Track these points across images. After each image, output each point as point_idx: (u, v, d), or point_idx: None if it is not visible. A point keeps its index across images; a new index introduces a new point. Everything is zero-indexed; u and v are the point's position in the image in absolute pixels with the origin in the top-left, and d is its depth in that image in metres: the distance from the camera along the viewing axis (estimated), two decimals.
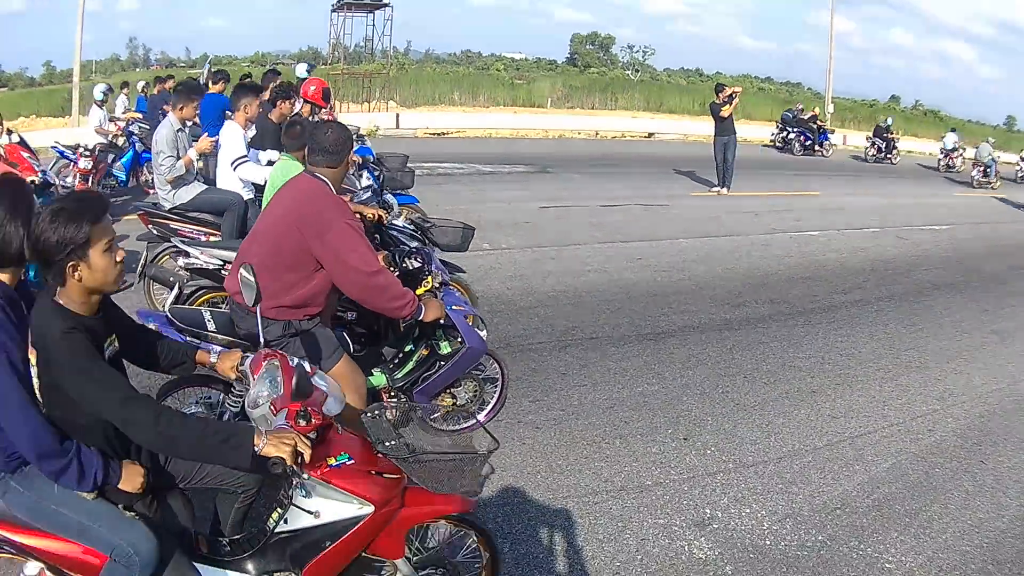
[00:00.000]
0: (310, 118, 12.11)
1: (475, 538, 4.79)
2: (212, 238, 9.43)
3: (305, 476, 3.92)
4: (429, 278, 6.90)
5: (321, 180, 5.93)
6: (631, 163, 30.63)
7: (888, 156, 42.09)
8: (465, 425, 6.96)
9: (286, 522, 4.10)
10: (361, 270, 5.68)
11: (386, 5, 51.30)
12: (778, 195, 25.32)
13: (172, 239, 8.90)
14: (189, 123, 10.46)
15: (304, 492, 4.03)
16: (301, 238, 5.67)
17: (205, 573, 4.13)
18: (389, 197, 10.22)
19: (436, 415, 7.15)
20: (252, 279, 4.67)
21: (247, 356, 4.52)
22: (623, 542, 6.12)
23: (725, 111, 23.79)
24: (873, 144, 42.34)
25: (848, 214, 23.17)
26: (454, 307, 6.95)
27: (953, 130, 46.63)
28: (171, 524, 4.09)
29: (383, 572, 4.50)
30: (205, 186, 10.14)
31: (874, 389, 9.78)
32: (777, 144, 42.10)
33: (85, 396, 3.59)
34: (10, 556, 3.94)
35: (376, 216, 8.05)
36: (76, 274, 3.62)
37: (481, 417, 7.43)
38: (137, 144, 16.57)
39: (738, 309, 12.44)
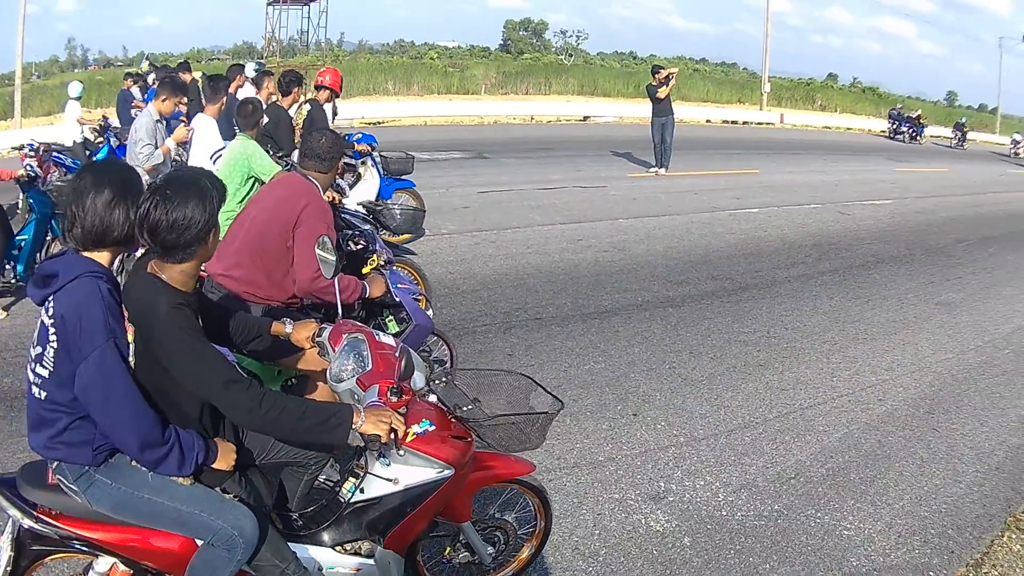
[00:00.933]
0: (327, 105, 12.77)
1: (529, 499, 5.06)
2: None
3: (400, 451, 4.07)
4: (374, 256, 7.07)
5: (312, 182, 6.26)
6: (567, 146, 30.60)
7: (962, 144, 53.53)
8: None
9: (362, 491, 4.20)
10: (304, 276, 5.95)
11: None
12: (717, 174, 25.59)
13: None
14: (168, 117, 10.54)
15: (383, 460, 4.15)
16: (283, 231, 5.98)
17: None
18: (341, 182, 10.31)
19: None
20: (332, 255, 5.10)
21: (325, 327, 4.64)
22: (580, 517, 6.11)
23: (661, 92, 23.96)
24: (954, 135, 54.42)
25: (788, 191, 23.45)
26: (399, 285, 7.02)
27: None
28: (257, 502, 4.09)
29: (448, 537, 4.80)
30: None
31: (822, 361, 9.87)
32: (888, 135, 53.06)
33: (190, 375, 3.63)
34: (75, 555, 3.93)
35: (331, 198, 8.16)
36: (200, 253, 3.72)
37: (431, 397, 7.37)
38: (112, 139, 16.42)
39: (681, 286, 12.48)
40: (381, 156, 12.64)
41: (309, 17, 58.33)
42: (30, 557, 3.82)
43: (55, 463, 3.69)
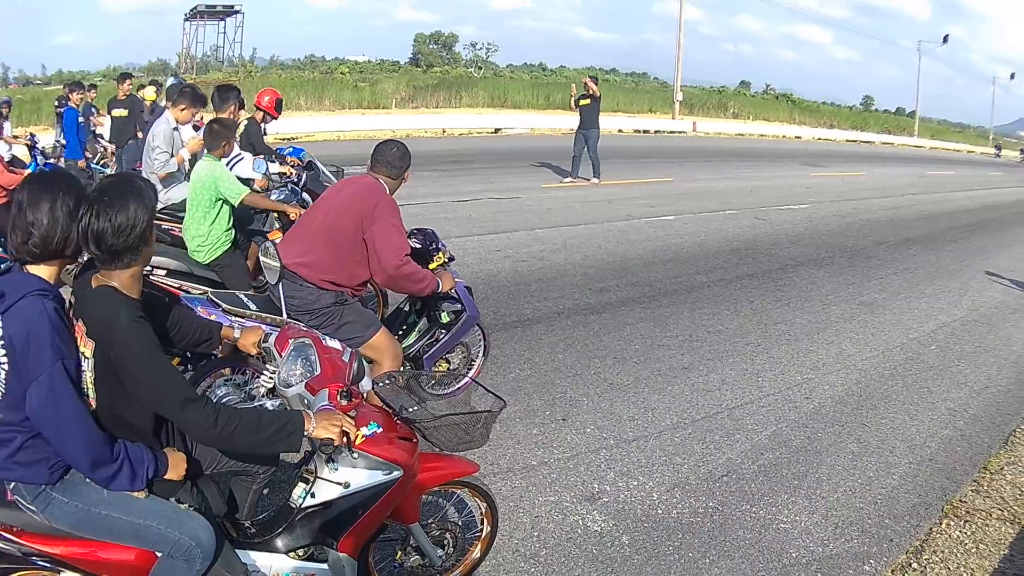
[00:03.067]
0: (262, 125, 13.41)
1: (476, 499, 5.25)
2: None
3: (355, 455, 4.17)
4: (440, 254, 7.67)
5: (381, 184, 6.92)
6: (480, 158, 30.78)
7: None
8: (457, 387, 7.76)
9: (313, 496, 4.27)
10: (390, 264, 6.65)
11: (237, 12, 51.39)
12: (631, 183, 26.00)
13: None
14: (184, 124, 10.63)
15: (332, 464, 4.23)
16: (357, 225, 6.62)
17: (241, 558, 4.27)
18: (307, 196, 10.54)
19: (433, 381, 8.00)
20: (276, 262, 5.75)
21: (270, 333, 4.78)
22: (518, 520, 6.16)
23: (573, 105, 25.52)
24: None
25: (703, 198, 23.96)
26: (456, 279, 7.71)
27: None
28: (209, 511, 4.17)
29: (398, 541, 4.96)
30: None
31: (746, 363, 10.07)
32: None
33: (147, 392, 3.70)
34: (37, 572, 3.88)
35: (298, 214, 8.73)
36: (144, 253, 3.81)
37: (470, 374, 8.32)
38: (39, 158, 16.30)
39: (601, 294, 12.60)
40: (315, 170, 13.04)
41: (225, 32, 58.56)
42: None
43: (11, 483, 3.71)
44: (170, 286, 8.00)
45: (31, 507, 3.69)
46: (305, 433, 3.87)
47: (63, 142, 17.27)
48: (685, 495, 6.74)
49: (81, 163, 17.64)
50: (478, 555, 5.37)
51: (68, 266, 3.86)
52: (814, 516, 6.58)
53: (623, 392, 8.77)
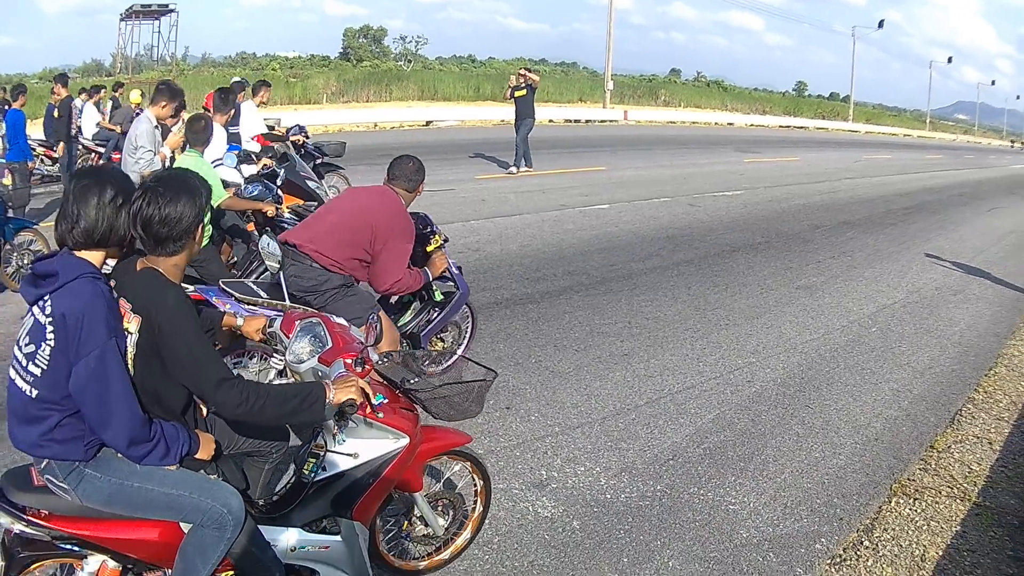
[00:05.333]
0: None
1: (470, 468, 5.60)
2: None
3: (368, 424, 4.57)
4: (436, 236, 8.27)
5: (399, 197, 7.62)
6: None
7: None
8: (449, 363, 7.39)
9: (324, 470, 4.59)
10: (384, 282, 7.48)
11: (172, 11, 51.45)
12: (563, 173, 26.18)
13: None
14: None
15: (340, 437, 4.60)
16: (373, 235, 7.28)
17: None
18: (280, 192, 10.74)
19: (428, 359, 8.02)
20: (278, 252, 6.38)
21: (275, 318, 5.20)
22: None
23: (508, 96, 25.84)
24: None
25: (636, 186, 24.25)
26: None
27: None
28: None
29: (403, 512, 5.32)
30: None
31: (686, 348, 10.24)
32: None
33: (188, 370, 3.95)
34: (63, 559, 4.06)
35: (273, 210, 9.50)
36: (188, 247, 4.10)
37: (460, 351, 8.90)
38: None
39: (538, 283, 12.70)
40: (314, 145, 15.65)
41: (159, 32, 58.41)
42: (20, 565, 3.96)
43: (43, 463, 3.87)
44: None
45: (63, 485, 3.85)
46: (328, 400, 4.16)
47: (7, 145, 17.34)
48: (633, 479, 6.87)
49: (31, 164, 17.62)
50: (469, 536, 5.68)
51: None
52: (762, 497, 6.75)
53: (565, 380, 8.90)
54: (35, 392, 3.76)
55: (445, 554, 5.56)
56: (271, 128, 17.33)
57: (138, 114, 12.95)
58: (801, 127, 66.63)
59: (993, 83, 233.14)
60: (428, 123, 46.73)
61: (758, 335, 10.96)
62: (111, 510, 3.93)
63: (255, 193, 9.78)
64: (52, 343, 3.70)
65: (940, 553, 6.22)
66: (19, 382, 3.81)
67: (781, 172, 31.66)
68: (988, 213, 27.10)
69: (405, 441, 4.70)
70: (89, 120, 22.12)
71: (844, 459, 7.57)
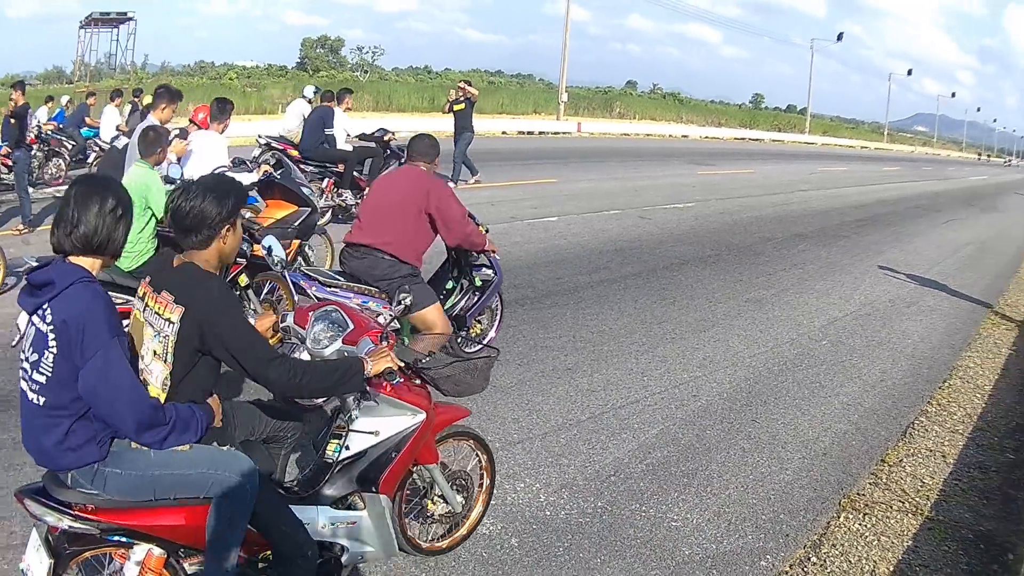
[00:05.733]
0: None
1: (473, 445, 6.09)
2: None
3: (390, 402, 5.07)
4: (479, 226, 9.09)
5: (423, 169, 8.66)
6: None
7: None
8: (483, 343, 8.58)
9: (348, 448, 4.98)
10: (459, 227, 8.50)
11: (131, 19, 51.86)
12: (514, 184, 26.12)
13: None
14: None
15: (361, 416, 5.01)
16: (417, 207, 8.28)
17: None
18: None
19: (468, 341, 9.07)
20: (281, 254, 7.54)
21: (286, 314, 5.56)
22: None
23: (446, 109, 26.83)
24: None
25: (587, 199, 24.21)
26: None
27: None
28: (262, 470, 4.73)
29: (423, 491, 5.74)
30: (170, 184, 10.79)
31: (631, 362, 10.14)
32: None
33: (239, 352, 4.35)
34: (111, 549, 4.31)
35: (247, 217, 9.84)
36: (221, 242, 4.55)
37: (492, 332, 10.16)
38: None
39: None
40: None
41: (118, 40, 58.83)
42: (67, 559, 4.17)
43: (67, 474, 4.08)
44: None
45: (91, 490, 4.09)
46: (366, 372, 4.63)
47: None
48: (573, 496, 6.76)
49: None
50: (481, 509, 6.11)
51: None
52: (706, 513, 6.63)
53: (506, 394, 8.75)
54: (43, 400, 3.96)
55: (463, 530, 5.98)
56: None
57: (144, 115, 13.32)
58: (757, 139, 67.20)
59: (953, 95, 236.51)
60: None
61: (705, 349, 10.86)
62: (142, 499, 4.20)
63: None
64: (55, 350, 3.89)
65: (891, 568, 6.16)
66: (29, 393, 4.01)
67: (735, 184, 31.80)
68: (945, 225, 27.40)
69: (422, 416, 5.19)
70: (109, 123, 23.33)
71: (791, 474, 7.48)
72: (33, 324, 4.00)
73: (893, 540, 6.50)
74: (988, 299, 15.80)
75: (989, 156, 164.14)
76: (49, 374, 3.92)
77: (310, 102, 23.83)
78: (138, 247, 8.43)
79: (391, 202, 8.47)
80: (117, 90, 26.81)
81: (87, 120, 25.92)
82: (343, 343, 5.14)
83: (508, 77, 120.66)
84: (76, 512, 4.07)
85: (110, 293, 7.43)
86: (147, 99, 23.78)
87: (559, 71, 66.94)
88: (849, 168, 52.34)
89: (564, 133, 57.42)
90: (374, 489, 5.04)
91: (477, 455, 6.11)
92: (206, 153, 11.60)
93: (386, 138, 21.48)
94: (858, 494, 7.18)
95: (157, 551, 4.29)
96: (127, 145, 11.71)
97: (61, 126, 25.67)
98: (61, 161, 22.62)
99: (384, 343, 5.03)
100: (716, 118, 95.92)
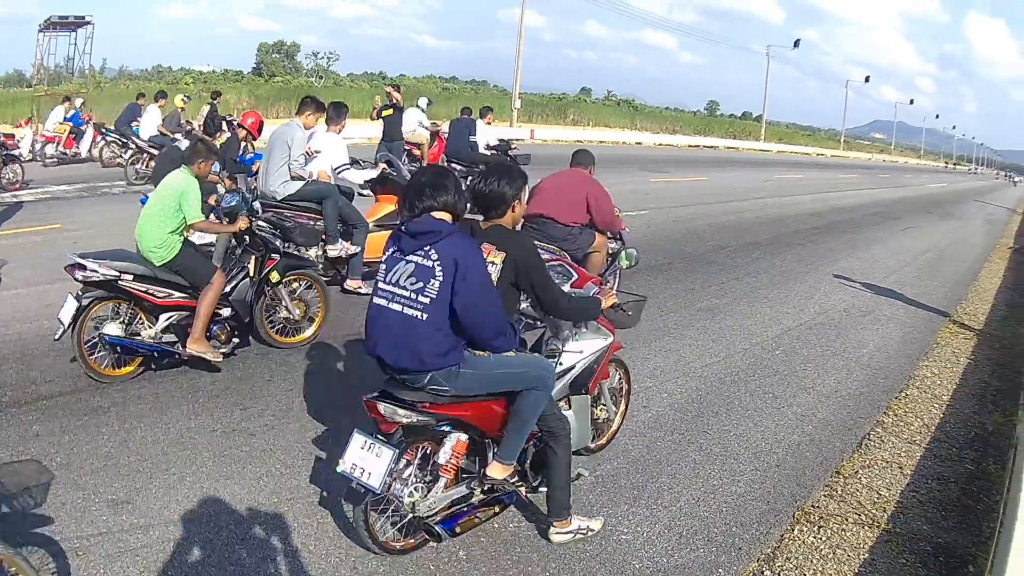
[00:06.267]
0: (244, 144, 17.27)
1: (621, 372, 8.06)
2: (318, 224, 12.44)
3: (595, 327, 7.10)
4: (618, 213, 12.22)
5: (588, 173, 11.88)
6: None
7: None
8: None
9: (561, 364, 6.66)
10: (610, 219, 11.75)
11: (88, 23, 52.13)
12: None
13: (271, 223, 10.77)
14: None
15: (572, 338, 6.83)
16: (582, 193, 11.37)
17: None
18: (256, 204, 10.86)
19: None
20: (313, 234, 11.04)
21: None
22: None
23: (374, 116, 26.81)
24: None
25: None
26: None
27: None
28: None
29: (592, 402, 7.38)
30: (303, 181, 12.57)
31: None
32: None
33: (542, 284, 6.05)
34: (425, 442, 5.78)
35: (249, 222, 9.92)
36: (511, 212, 6.17)
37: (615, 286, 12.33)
38: None
39: None
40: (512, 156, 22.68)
41: (76, 43, 59.02)
42: (403, 450, 5.57)
43: (428, 375, 5.51)
44: (137, 290, 8.97)
45: (446, 387, 5.58)
46: (603, 306, 6.62)
47: None
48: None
49: None
50: (619, 421, 8.06)
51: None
52: (656, 526, 6.60)
53: None
54: (425, 316, 5.39)
55: (603, 440, 7.79)
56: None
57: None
58: (711, 146, 67.46)
59: (912, 102, 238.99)
60: None
61: (655, 358, 10.84)
62: (480, 392, 5.76)
63: (232, 203, 10.03)
64: (441, 277, 5.34)
65: None
66: (408, 311, 5.44)
67: (688, 192, 31.94)
68: (902, 232, 27.75)
69: (611, 339, 7.17)
70: (150, 123, 25.53)
71: (743, 486, 7.45)
72: (412, 261, 5.45)
73: (849, 553, 6.51)
74: (946, 308, 15.94)
75: (956, 165, 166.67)
76: (434, 296, 5.34)
77: (423, 111, 28.82)
78: (168, 243, 9.08)
79: (565, 188, 11.48)
80: (162, 91, 29.30)
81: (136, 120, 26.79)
82: (571, 287, 7.39)
83: (463, 83, 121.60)
84: (421, 408, 5.56)
85: (151, 287, 9.05)
86: (178, 99, 26.67)
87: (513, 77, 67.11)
88: (805, 175, 52.84)
89: (517, 140, 57.44)
90: (583, 391, 6.79)
91: (620, 375, 7.99)
92: (330, 152, 13.58)
93: (510, 151, 27.11)
94: (813, 506, 7.18)
95: (463, 437, 5.77)
96: (180, 144, 13.93)
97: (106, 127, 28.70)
98: (18, 167, 22.94)
99: (605, 286, 7.76)
100: (671, 125, 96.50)
